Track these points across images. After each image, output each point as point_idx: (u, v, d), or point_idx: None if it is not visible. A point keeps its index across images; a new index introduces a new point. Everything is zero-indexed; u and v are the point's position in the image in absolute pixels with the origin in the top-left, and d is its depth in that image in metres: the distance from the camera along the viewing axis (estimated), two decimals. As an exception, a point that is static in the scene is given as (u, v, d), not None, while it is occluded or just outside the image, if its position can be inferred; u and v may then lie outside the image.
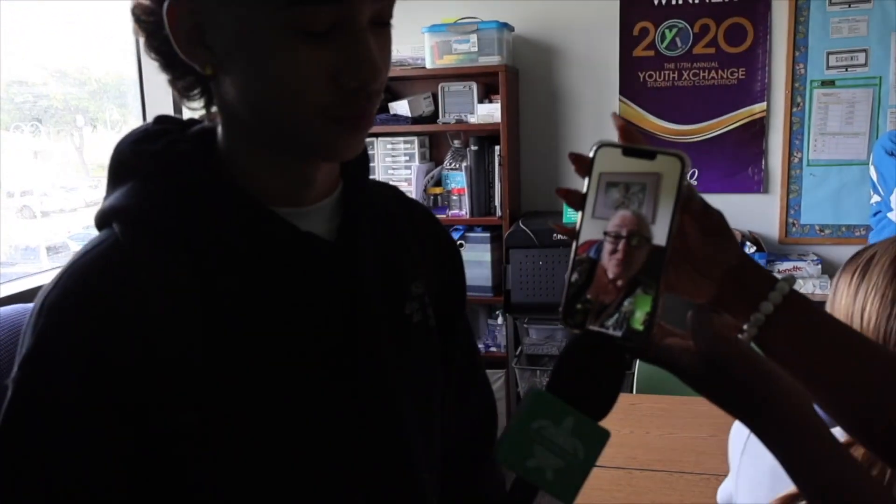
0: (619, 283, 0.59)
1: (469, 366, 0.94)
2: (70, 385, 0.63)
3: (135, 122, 3.30)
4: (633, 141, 0.63)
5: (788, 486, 0.95)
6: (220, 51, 0.65)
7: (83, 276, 0.66)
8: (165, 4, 0.65)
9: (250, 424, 0.67)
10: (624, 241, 0.59)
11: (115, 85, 3.40)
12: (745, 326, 0.62)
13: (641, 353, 0.61)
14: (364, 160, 0.82)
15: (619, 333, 0.58)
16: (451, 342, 0.88)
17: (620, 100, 3.29)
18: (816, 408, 0.62)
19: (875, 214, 2.63)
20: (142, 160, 0.70)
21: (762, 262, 2.88)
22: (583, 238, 0.60)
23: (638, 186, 0.59)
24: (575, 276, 0.60)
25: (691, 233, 0.62)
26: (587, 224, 0.60)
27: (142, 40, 0.69)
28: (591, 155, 0.61)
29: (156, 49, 0.69)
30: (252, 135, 0.70)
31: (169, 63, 0.69)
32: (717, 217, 0.63)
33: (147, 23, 0.67)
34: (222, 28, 0.64)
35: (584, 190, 0.61)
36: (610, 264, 0.59)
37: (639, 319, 0.58)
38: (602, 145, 0.61)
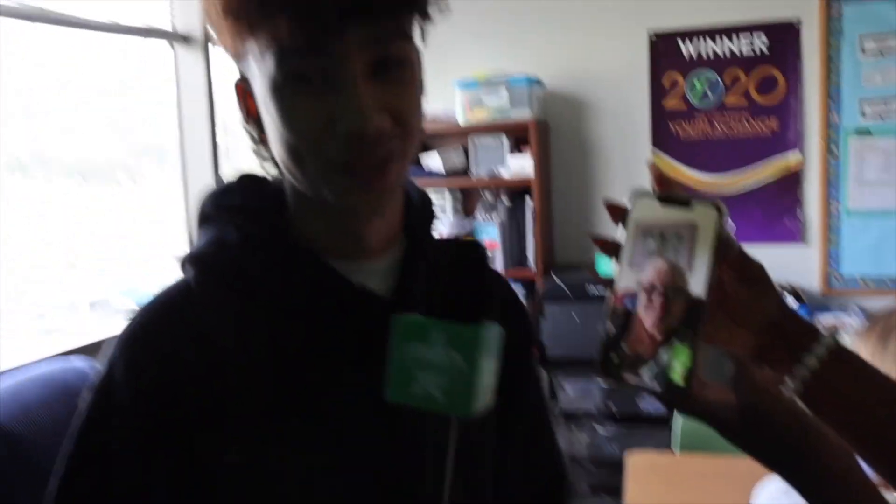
0: (657, 334, 0.58)
1: (536, 431, 0.91)
2: (127, 413, 0.69)
3: (174, 179, 3.38)
4: (670, 189, 0.62)
5: None
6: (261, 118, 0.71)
7: (153, 314, 0.73)
8: (235, 81, 0.73)
9: (287, 473, 0.69)
10: (660, 292, 0.58)
11: (157, 144, 3.50)
12: (787, 380, 0.60)
13: (681, 406, 0.60)
14: (427, 216, 0.83)
15: (656, 386, 0.57)
16: (516, 405, 0.86)
17: (652, 151, 3.29)
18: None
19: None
20: (219, 212, 0.76)
21: (803, 314, 2.82)
22: (619, 288, 0.60)
23: (675, 235, 0.59)
24: (611, 326, 0.59)
25: (730, 283, 0.61)
26: (623, 273, 0.60)
27: (240, 114, 0.76)
28: (627, 203, 0.61)
29: (245, 121, 0.76)
30: (299, 192, 0.73)
31: (250, 134, 0.76)
32: (757, 267, 0.62)
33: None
34: (257, 97, 0.70)
35: (620, 239, 0.60)
36: (646, 315, 0.58)
37: (678, 372, 0.57)
38: (638, 194, 0.61)
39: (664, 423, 2.37)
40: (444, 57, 3.32)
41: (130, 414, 0.69)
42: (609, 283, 0.60)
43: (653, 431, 2.91)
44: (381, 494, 0.72)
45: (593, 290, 2.96)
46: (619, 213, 0.61)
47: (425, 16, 0.69)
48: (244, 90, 0.72)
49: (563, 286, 3.00)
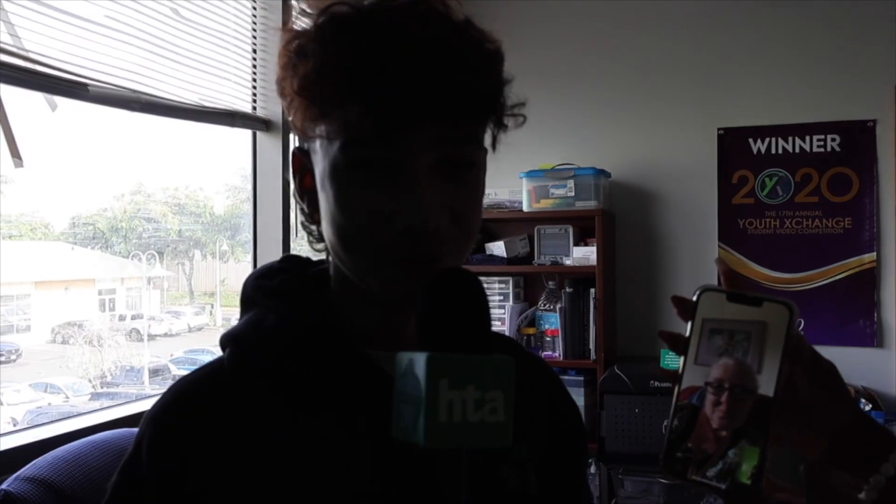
0: (723, 433, 0.56)
1: None
2: (148, 492, 0.68)
3: (242, 254, 3.47)
4: (738, 286, 0.61)
5: None
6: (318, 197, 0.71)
7: (182, 393, 0.73)
8: (291, 151, 0.73)
9: None
10: (727, 390, 0.57)
11: (228, 218, 3.62)
12: (864, 489, 0.58)
13: None
14: None
15: (722, 486, 0.55)
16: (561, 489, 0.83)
17: (720, 246, 3.24)
18: None
19: None
20: (259, 294, 0.76)
21: (880, 421, 2.68)
22: (685, 384, 0.59)
23: (743, 334, 0.58)
24: (676, 423, 0.58)
25: (801, 384, 0.59)
26: (689, 370, 0.59)
27: (293, 184, 0.76)
28: (694, 299, 0.60)
29: (298, 195, 0.76)
30: (344, 277, 0.73)
31: (302, 209, 0.76)
32: (829, 368, 0.60)
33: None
34: (316, 175, 0.70)
35: (687, 335, 0.60)
36: (713, 414, 0.57)
37: (745, 472, 0.55)
38: (705, 290, 0.60)
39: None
40: (512, 148, 3.36)
41: (152, 493, 0.68)
42: (675, 376, 0.60)
43: (717, 539, 2.76)
44: None
45: (656, 383, 2.88)
46: (686, 309, 0.60)
47: (500, 125, 0.71)
48: (302, 164, 0.73)
49: (624, 377, 2.93)
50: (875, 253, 3.06)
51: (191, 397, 0.72)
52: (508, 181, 3.30)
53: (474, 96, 0.66)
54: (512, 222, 3.42)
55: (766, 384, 0.56)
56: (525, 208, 3.25)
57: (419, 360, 0.57)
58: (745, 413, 0.56)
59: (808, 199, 3.15)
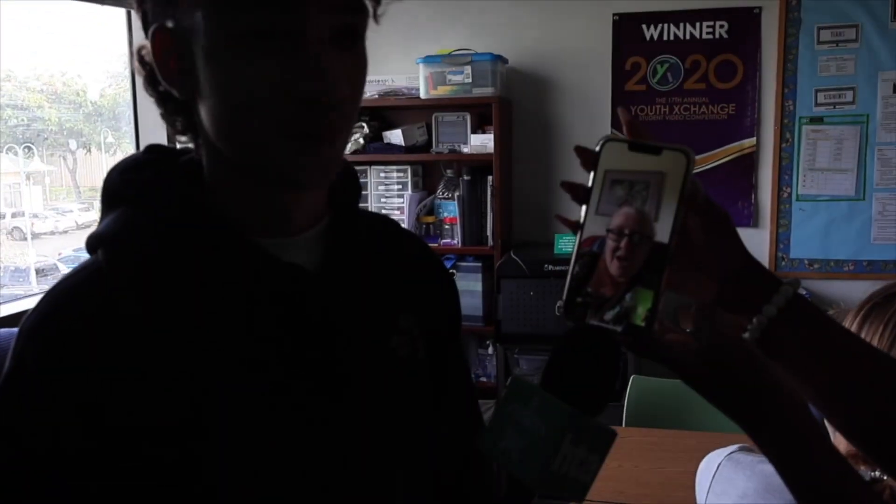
0: (621, 279, 0.59)
1: (460, 398, 0.93)
2: (40, 407, 0.63)
3: (128, 145, 3.31)
4: (640, 136, 0.62)
5: None
6: (196, 75, 0.65)
7: (60, 301, 0.67)
8: (150, 31, 0.65)
9: (224, 453, 0.66)
10: (626, 238, 0.59)
11: (110, 108, 3.41)
12: (747, 327, 0.61)
13: (641, 348, 0.61)
14: (354, 190, 0.81)
15: (618, 328, 0.58)
16: (442, 374, 0.87)
17: (612, 132, 3.32)
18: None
19: None
20: (129, 189, 0.71)
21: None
22: (586, 233, 0.60)
23: (642, 183, 0.59)
24: (577, 270, 0.60)
25: (695, 230, 0.62)
26: (591, 220, 0.60)
27: (140, 79, 0.70)
28: (596, 149, 0.61)
29: (153, 86, 0.70)
30: (227, 162, 0.69)
31: (161, 98, 0.70)
32: (722, 216, 0.62)
33: (148, 63, 0.69)
34: (195, 50, 0.64)
35: (589, 185, 0.61)
36: (612, 261, 0.59)
37: (640, 315, 0.58)
38: (608, 140, 0.61)
39: (614, 400, 2.42)
40: (409, 33, 3.29)
41: (48, 410, 0.63)
42: (577, 226, 0.61)
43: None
44: (317, 467, 0.71)
45: (550, 267, 2.99)
46: (588, 159, 0.61)
47: None
48: (166, 45, 0.65)
49: (520, 262, 3.03)
50: (755, 138, 3.21)
51: (74, 304, 0.66)
52: (405, 67, 3.24)
53: None
54: (409, 110, 3.38)
55: (663, 231, 0.58)
56: (422, 95, 3.20)
57: (554, 408, 0.57)
58: (642, 259, 0.58)
59: (696, 86, 3.24)
